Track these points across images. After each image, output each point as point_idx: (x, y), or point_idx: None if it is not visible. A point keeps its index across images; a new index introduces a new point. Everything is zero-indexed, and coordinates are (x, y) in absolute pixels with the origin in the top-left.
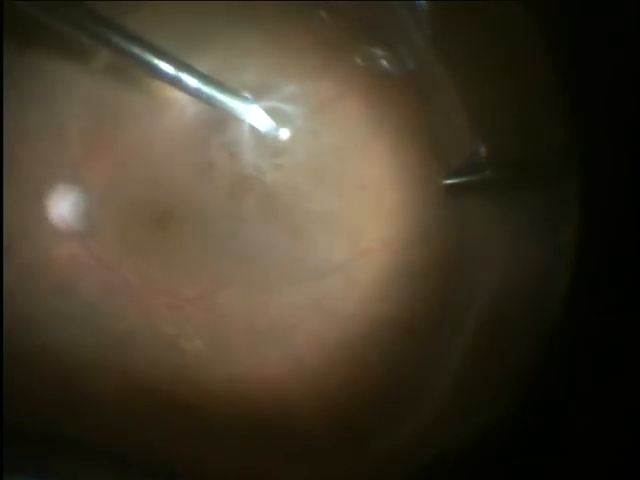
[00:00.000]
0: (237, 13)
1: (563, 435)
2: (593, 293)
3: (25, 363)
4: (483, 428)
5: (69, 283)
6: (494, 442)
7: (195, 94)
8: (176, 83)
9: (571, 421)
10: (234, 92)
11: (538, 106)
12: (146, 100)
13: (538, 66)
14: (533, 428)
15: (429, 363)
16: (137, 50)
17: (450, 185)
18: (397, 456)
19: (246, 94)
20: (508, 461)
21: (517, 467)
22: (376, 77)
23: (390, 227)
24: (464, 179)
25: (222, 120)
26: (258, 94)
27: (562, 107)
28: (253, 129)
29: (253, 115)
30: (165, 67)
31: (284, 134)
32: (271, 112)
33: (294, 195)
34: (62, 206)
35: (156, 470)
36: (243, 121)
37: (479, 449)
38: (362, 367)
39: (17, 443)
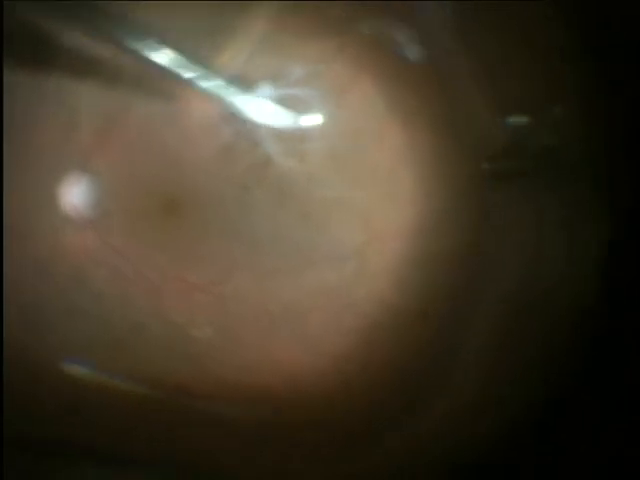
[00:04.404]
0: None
1: (585, 436)
2: (621, 290)
3: (38, 362)
4: (502, 424)
5: (81, 273)
6: (513, 439)
7: (204, 91)
8: (182, 80)
9: (595, 423)
10: (245, 88)
11: (559, 97)
12: (159, 89)
13: (557, 53)
14: (553, 429)
15: (449, 352)
16: (142, 46)
17: (469, 172)
18: (413, 448)
19: (258, 89)
20: (527, 462)
21: (536, 468)
22: (392, 61)
23: (405, 213)
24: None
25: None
26: (272, 82)
27: (585, 98)
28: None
29: (266, 111)
30: (170, 64)
31: (302, 122)
32: (286, 100)
33: (308, 181)
34: (74, 194)
35: (167, 467)
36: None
37: (495, 446)
38: (380, 354)
39: (17, 446)
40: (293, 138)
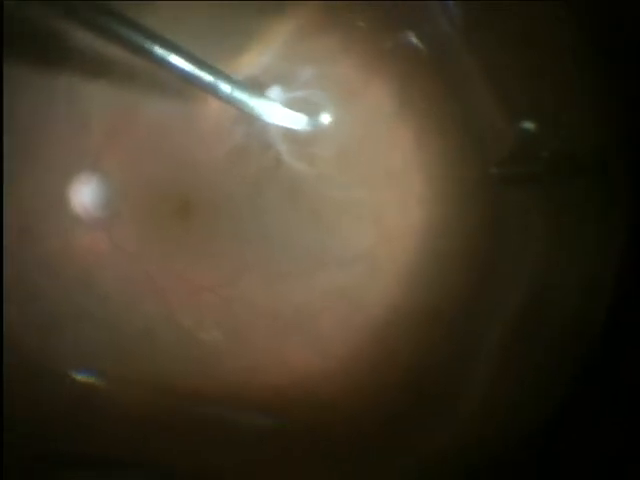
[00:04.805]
0: (254, 2)
1: (589, 437)
2: (630, 301)
3: (43, 365)
4: (511, 427)
5: (89, 274)
6: (522, 441)
7: (216, 94)
8: (195, 83)
9: (598, 424)
10: (258, 93)
11: (570, 100)
12: (169, 90)
13: (569, 54)
14: (560, 432)
15: (459, 355)
16: (155, 48)
17: (479, 174)
18: (424, 448)
19: (269, 91)
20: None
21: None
22: (403, 62)
23: (415, 214)
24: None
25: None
26: (283, 84)
27: (597, 101)
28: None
29: (277, 114)
30: (183, 66)
31: (312, 125)
32: (297, 103)
33: (319, 182)
34: (84, 194)
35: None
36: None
37: (504, 447)
38: (390, 354)
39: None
40: (304, 140)
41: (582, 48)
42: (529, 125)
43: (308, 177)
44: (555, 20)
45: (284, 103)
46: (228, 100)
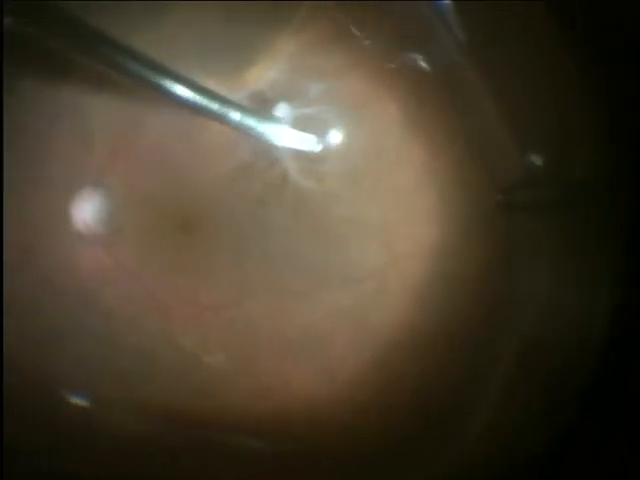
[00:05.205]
0: (261, 16)
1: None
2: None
3: (40, 384)
4: (520, 458)
5: (90, 291)
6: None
7: (225, 122)
8: (203, 113)
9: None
10: (265, 116)
11: (581, 122)
12: (173, 103)
13: (576, 57)
14: (579, 468)
15: (470, 380)
16: (154, 77)
17: (490, 192)
18: (430, 472)
19: (276, 108)
20: None
21: None
22: (410, 79)
23: (425, 233)
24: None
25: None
26: (290, 101)
27: (601, 100)
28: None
29: (284, 130)
30: (185, 93)
31: (320, 141)
32: (304, 120)
33: (326, 200)
34: (86, 210)
35: None
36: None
37: (511, 477)
38: (398, 376)
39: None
40: (311, 157)
41: (582, 48)
42: (536, 150)
43: (315, 194)
44: (554, 21)
45: (292, 121)
46: (236, 127)
